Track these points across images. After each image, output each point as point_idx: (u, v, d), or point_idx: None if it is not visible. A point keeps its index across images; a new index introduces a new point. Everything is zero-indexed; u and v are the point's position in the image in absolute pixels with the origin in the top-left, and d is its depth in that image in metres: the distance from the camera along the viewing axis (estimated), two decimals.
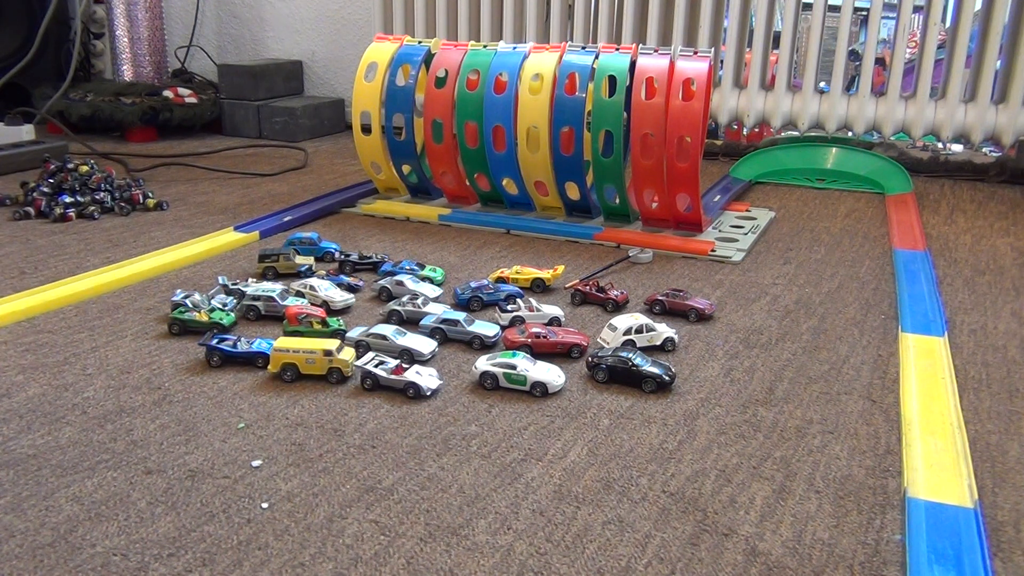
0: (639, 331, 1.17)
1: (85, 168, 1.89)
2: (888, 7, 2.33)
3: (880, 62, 2.64)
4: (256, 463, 0.88)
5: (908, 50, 2.24)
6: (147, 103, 2.57)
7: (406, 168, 1.85)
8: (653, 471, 0.88)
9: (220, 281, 1.34)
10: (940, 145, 2.33)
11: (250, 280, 1.35)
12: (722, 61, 2.35)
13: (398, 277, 1.35)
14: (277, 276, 1.43)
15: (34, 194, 1.81)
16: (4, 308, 1.26)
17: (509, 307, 1.27)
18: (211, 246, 1.57)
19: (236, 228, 1.68)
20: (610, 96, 1.60)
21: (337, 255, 1.52)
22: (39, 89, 2.67)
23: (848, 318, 1.30)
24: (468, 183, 1.81)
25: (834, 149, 2.26)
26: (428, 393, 1.03)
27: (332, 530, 0.78)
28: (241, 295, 1.29)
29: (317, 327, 1.18)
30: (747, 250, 1.61)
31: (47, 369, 1.09)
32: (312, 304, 1.27)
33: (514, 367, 1.05)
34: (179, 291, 1.28)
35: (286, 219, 1.74)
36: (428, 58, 1.78)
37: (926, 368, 1.12)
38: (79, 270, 1.45)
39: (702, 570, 0.74)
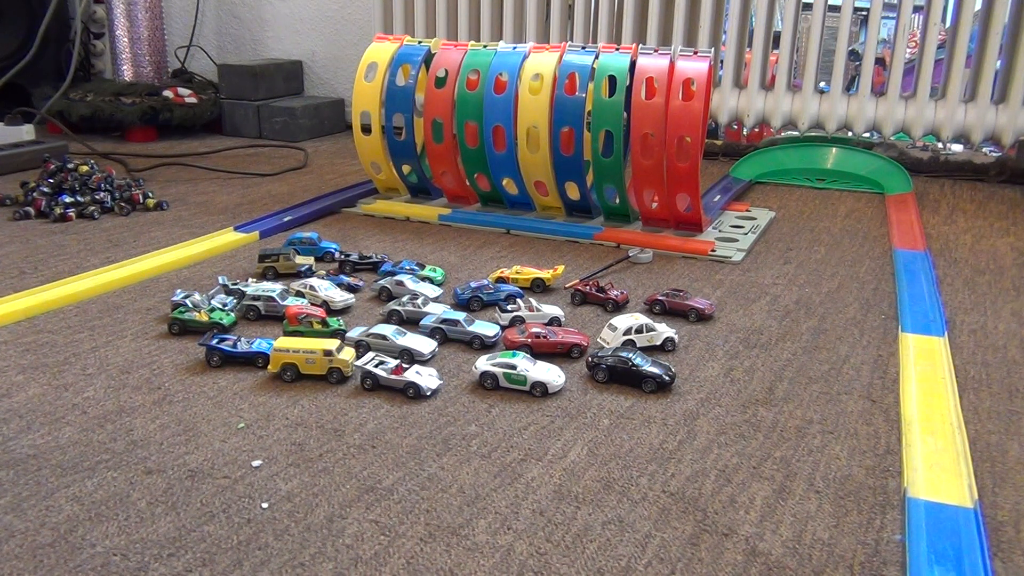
0: (639, 331, 1.17)
1: (85, 168, 1.89)
2: (888, 7, 2.33)
3: (880, 62, 2.64)
4: (256, 463, 0.88)
5: (908, 50, 2.24)
6: (147, 103, 2.57)
7: (406, 168, 1.85)
8: (653, 471, 0.88)
9: (220, 281, 1.34)
10: (940, 145, 2.33)
11: (250, 280, 1.35)
12: (722, 61, 2.35)
13: (398, 277, 1.35)
14: (277, 276, 1.43)
15: (34, 194, 1.81)
16: (4, 308, 1.26)
17: (509, 307, 1.27)
18: (211, 246, 1.57)
19: (236, 228, 1.68)
20: (610, 96, 1.60)
21: (337, 255, 1.52)
22: (39, 89, 2.67)
23: (848, 318, 1.30)
24: (468, 183, 1.81)
25: (834, 149, 2.26)
26: (428, 393, 1.03)
27: (332, 530, 0.78)
28: (241, 295, 1.29)
29: (317, 327, 1.18)
30: (747, 250, 1.61)
31: (47, 369, 1.09)
32: (312, 304, 1.27)
33: (514, 367, 1.05)
34: (179, 291, 1.28)
35: (286, 219, 1.74)
36: (428, 58, 1.78)
37: (926, 368, 1.12)
38: (79, 270, 1.45)
39: (702, 570, 0.74)
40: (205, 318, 1.20)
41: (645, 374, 1.05)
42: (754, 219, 1.82)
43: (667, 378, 1.05)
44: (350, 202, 1.89)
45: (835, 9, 2.23)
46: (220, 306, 1.25)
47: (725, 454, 0.92)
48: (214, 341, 1.11)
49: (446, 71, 1.72)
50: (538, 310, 1.26)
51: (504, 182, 1.74)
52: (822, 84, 2.32)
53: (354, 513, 0.80)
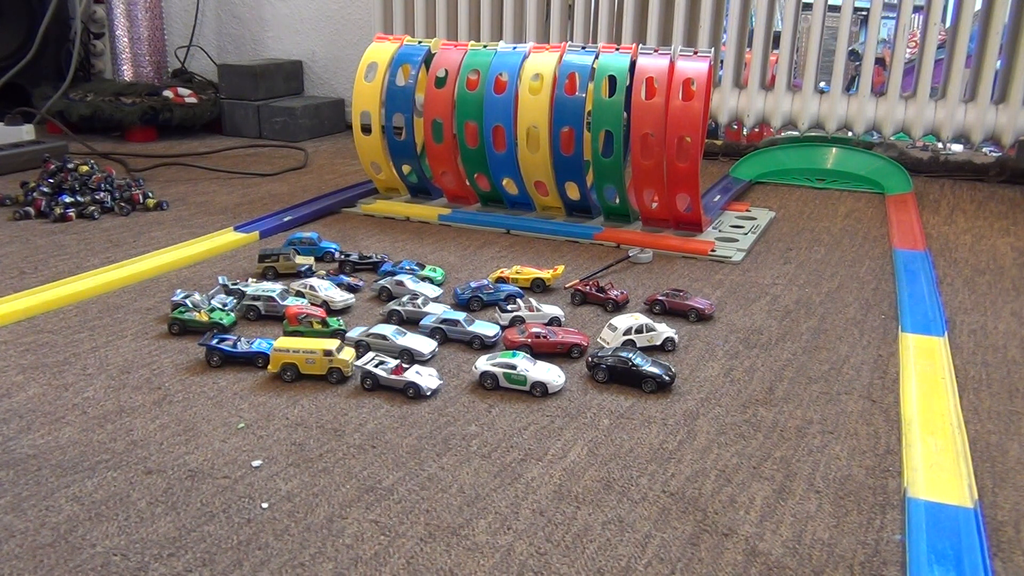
0: (639, 331, 1.17)
1: (85, 168, 1.88)
2: (888, 7, 2.33)
3: (880, 62, 2.64)
4: (256, 463, 0.88)
5: (908, 50, 2.24)
6: (147, 103, 2.57)
7: (406, 168, 1.85)
8: (653, 471, 0.88)
9: (220, 281, 1.34)
10: (940, 145, 2.33)
11: (250, 280, 1.35)
12: (722, 61, 2.35)
13: (398, 277, 1.35)
14: (277, 276, 1.43)
15: (34, 194, 1.81)
16: (4, 308, 1.26)
17: (509, 307, 1.27)
18: (211, 246, 1.57)
19: (236, 228, 1.68)
20: (610, 96, 1.60)
21: (337, 255, 1.52)
22: (39, 89, 2.67)
23: (848, 318, 1.30)
24: (468, 183, 1.81)
25: (834, 149, 2.26)
26: (428, 393, 1.03)
27: (332, 530, 0.78)
28: (241, 295, 1.29)
29: (317, 327, 1.18)
30: (747, 250, 1.61)
31: (47, 369, 1.09)
32: (312, 304, 1.27)
33: (514, 367, 1.05)
34: (179, 291, 1.28)
35: (286, 219, 1.74)
36: (428, 58, 1.78)
37: (926, 368, 1.12)
38: (79, 270, 1.45)
39: (702, 570, 0.74)
40: (205, 318, 1.20)
41: (645, 374, 1.05)
42: (754, 219, 1.82)
43: (667, 378, 1.05)
44: (350, 202, 1.89)
45: (835, 9, 2.23)
46: (220, 306, 1.25)
47: (725, 454, 0.92)
48: (214, 341, 1.11)
49: (446, 71, 1.72)
50: (538, 310, 1.26)
51: (504, 182, 1.74)
52: (822, 84, 2.32)
53: (354, 513, 0.80)
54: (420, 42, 1.80)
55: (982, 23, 2.15)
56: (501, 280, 1.40)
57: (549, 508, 0.82)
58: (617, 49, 1.65)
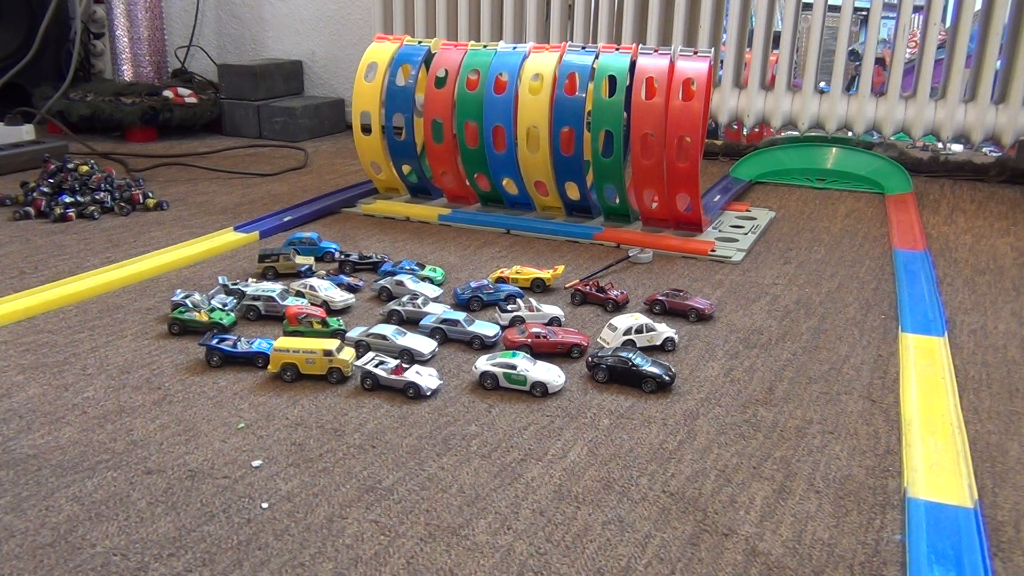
0: (639, 331, 1.17)
1: (85, 168, 1.88)
2: (888, 7, 2.33)
3: (880, 62, 2.64)
4: (256, 463, 0.88)
5: (908, 50, 2.24)
6: (147, 103, 2.57)
7: (406, 168, 1.85)
8: (653, 471, 0.88)
9: (220, 281, 1.34)
10: (940, 145, 2.33)
11: (250, 280, 1.35)
12: (722, 61, 2.35)
13: (398, 277, 1.35)
14: (277, 276, 1.43)
15: (34, 194, 1.81)
16: (4, 308, 1.26)
17: (509, 307, 1.27)
18: (211, 246, 1.57)
19: (236, 228, 1.68)
20: (610, 96, 1.60)
21: (337, 255, 1.52)
22: (39, 89, 2.67)
23: (848, 318, 1.30)
24: (468, 183, 1.81)
25: (834, 149, 2.26)
26: (428, 393, 1.03)
27: (332, 530, 0.78)
28: (241, 295, 1.29)
29: (317, 327, 1.18)
30: (747, 250, 1.61)
31: (47, 369, 1.09)
32: (312, 304, 1.27)
33: (514, 367, 1.05)
34: (179, 291, 1.28)
35: (286, 219, 1.74)
36: (428, 58, 1.78)
37: (926, 368, 1.12)
38: (79, 270, 1.45)
39: (702, 570, 0.74)
40: (205, 318, 1.20)
41: (645, 374, 1.05)
42: (754, 219, 1.82)
43: (667, 378, 1.05)
44: (350, 202, 1.89)
45: (835, 9, 2.23)
46: (220, 306, 1.25)
47: (725, 454, 0.92)
48: (214, 341, 1.11)
49: (446, 71, 1.72)
50: (538, 310, 1.26)
51: (504, 182, 1.74)
52: (822, 84, 2.32)
53: (354, 513, 0.80)
54: (420, 42, 1.80)
55: (982, 23, 2.15)
56: (501, 280, 1.40)
57: (549, 508, 0.82)
58: (617, 49, 1.65)
